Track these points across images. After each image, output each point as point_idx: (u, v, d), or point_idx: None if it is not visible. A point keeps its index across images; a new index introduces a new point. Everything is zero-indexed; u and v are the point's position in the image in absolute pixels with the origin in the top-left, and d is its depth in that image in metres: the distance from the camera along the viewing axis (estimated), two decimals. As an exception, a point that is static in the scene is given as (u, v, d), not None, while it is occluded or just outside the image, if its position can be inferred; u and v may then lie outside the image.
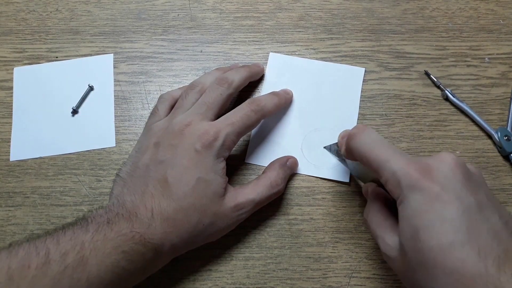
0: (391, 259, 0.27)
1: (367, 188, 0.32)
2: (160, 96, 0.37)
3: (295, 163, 0.36)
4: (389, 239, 0.27)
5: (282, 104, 0.38)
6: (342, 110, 0.39)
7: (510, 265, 0.21)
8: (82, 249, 0.26)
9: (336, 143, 0.34)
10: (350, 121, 0.39)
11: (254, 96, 0.40)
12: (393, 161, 0.26)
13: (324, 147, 0.36)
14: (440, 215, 0.23)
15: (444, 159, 0.25)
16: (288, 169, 0.36)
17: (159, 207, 0.30)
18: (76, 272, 0.25)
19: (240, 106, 0.34)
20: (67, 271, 0.25)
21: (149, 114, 0.40)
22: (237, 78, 0.36)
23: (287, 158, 0.36)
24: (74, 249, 0.26)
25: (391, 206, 0.29)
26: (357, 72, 0.40)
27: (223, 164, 0.32)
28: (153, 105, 0.40)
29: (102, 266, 0.26)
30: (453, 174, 0.24)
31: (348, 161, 0.33)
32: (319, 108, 0.39)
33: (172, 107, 0.36)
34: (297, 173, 0.37)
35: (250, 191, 0.33)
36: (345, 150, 0.30)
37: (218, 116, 0.34)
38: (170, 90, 0.38)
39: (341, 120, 0.39)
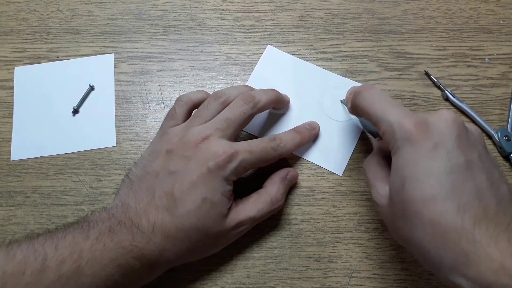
0: (380, 207, 0.28)
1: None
2: (178, 98, 0.35)
3: (295, 176, 0.36)
4: (380, 189, 0.28)
5: (305, 143, 0.36)
6: (323, 118, 0.39)
7: (486, 222, 0.23)
8: (80, 258, 0.26)
9: None
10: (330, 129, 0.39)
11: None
12: (391, 113, 0.27)
13: (341, 101, 0.39)
14: (428, 169, 0.24)
15: (442, 116, 0.26)
16: (289, 182, 0.35)
17: (161, 223, 0.29)
18: (70, 282, 0.25)
19: (262, 138, 0.34)
20: (61, 280, 0.25)
21: (148, 113, 0.40)
22: (263, 99, 0.34)
23: (287, 171, 0.35)
24: (72, 257, 0.26)
25: (389, 159, 0.30)
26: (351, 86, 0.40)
27: (231, 187, 0.31)
28: (153, 105, 0.40)
29: (96, 278, 0.26)
30: (448, 132, 0.25)
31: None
32: (299, 112, 0.39)
33: (190, 111, 0.35)
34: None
35: (250, 207, 0.32)
36: (350, 107, 0.32)
37: (236, 134, 0.33)
38: (188, 92, 0.36)
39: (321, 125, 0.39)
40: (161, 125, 0.35)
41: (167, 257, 0.30)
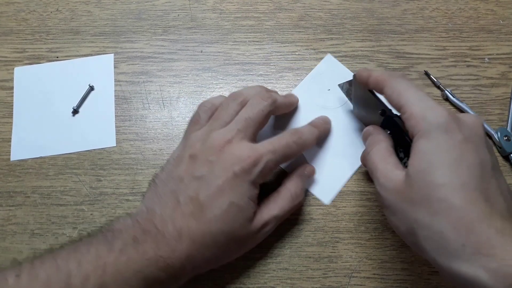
0: (388, 191, 0.27)
1: (370, 129, 0.33)
2: (201, 104, 0.35)
3: (312, 171, 0.36)
4: (392, 173, 0.28)
5: (322, 136, 0.37)
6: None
7: (511, 220, 0.23)
8: (104, 274, 0.25)
9: (349, 81, 0.36)
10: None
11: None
12: (425, 100, 0.27)
13: (338, 85, 0.38)
14: (460, 159, 0.25)
15: (470, 117, 0.27)
16: (306, 177, 0.35)
17: (187, 228, 0.29)
18: None
19: (282, 134, 0.33)
20: None
21: (148, 113, 0.40)
22: (279, 97, 0.35)
23: (305, 167, 0.35)
24: (96, 273, 0.25)
25: (392, 148, 0.31)
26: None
27: (257, 191, 0.31)
28: (153, 105, 0.40)
29: None
30: (476, 132, 0.26)
31: (354, 100, 0.37)
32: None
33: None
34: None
35: (273, 206, 0.32)
36: (373, 80, 0.31)
37: (257, 133, 0.33)
38: (210, 97, 0.36)
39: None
40: (185, 130, 0.35)
41: (193, 264, 0.29)
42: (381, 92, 0.30)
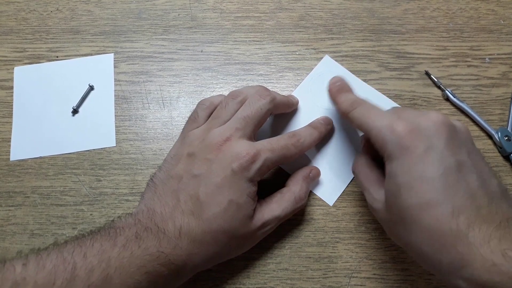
0: (376, 211, 0.28)
1: (360, 138, 0.34)
2: (200, 102, 0.35)
3: (317, 174, 0.36)
4: (375, 192, 0.28)
5: (322, 138, 0.36)
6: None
7: (479, 223, 0.23)
8: (108, 267, 0.26)
9: None
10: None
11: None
12: (380, 120, 0.27)
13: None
14: (421, 175, 0.25)
15: (431, 118, 0.26)
16: (311, 180, 0.35)
17: (187, 227, 0.29)
18: None
19: (281, 136, 0.33)
20: None
21: (148, 113, 0.40)
22: (278, 96, 0.35)
23: (310, 169, 0.35)
24: (100, 266, 0.25)
25: (379, 161, 0.30)
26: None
27: (255, 188, 0.31)
28: (153, 105, 0.40)
29: (124, 286, 0.26)
30: (438, 135, 0.26)
31: None
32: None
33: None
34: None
35: (275, 206, 0.32)
36: (339, 109, 0.32)
37: (256, 132, 0.33)
38: (209, 96, 0.36)
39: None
40: (183, 128, 0.35)
41: (194, 262, 0.30)
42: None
